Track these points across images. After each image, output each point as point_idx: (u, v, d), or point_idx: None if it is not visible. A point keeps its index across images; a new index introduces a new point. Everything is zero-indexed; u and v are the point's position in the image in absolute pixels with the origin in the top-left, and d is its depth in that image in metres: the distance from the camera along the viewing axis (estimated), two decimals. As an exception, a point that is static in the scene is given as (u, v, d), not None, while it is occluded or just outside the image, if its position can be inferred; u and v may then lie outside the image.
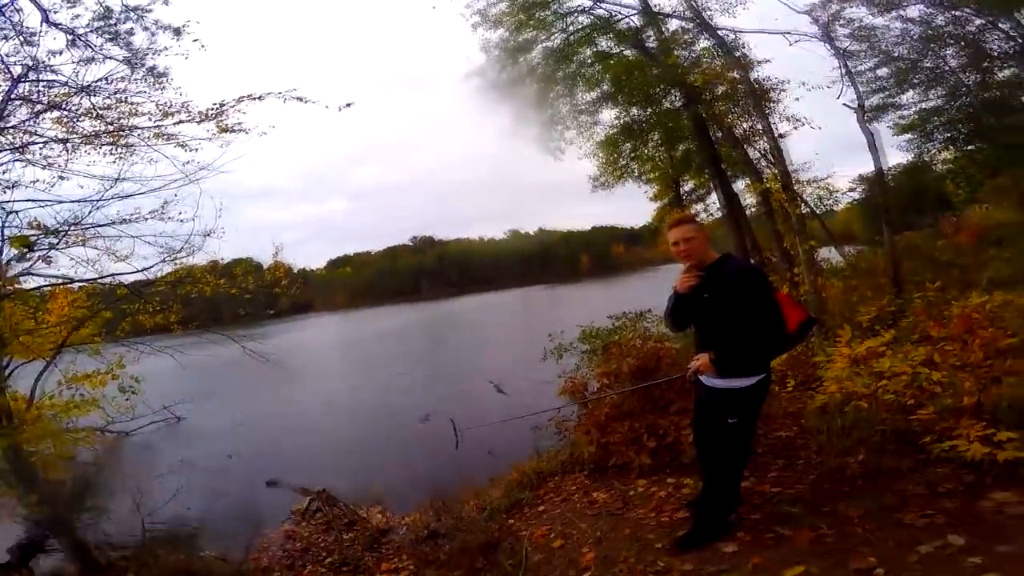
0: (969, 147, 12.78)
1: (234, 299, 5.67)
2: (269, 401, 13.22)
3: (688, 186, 11.67)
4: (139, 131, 4.87)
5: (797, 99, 8.89)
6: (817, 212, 10.37)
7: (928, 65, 11.99)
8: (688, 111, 8.74)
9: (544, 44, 9.02)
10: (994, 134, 11.11)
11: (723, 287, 2.44)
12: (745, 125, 9.29)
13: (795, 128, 9.16)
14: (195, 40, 4.97)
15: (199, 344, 6.19)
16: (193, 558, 3.96)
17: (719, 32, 7.64)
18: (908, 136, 13.23)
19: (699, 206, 11.69)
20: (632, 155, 10.56)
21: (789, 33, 6.85)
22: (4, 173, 4.65)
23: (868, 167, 7.06)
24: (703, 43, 8.58)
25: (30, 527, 5.29)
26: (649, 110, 9.36)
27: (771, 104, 8.82)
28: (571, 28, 8.89)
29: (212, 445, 9.74)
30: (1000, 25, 10.79)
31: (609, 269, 77.80)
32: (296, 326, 45.33)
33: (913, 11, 11.00)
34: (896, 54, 11.82)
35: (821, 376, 4.17)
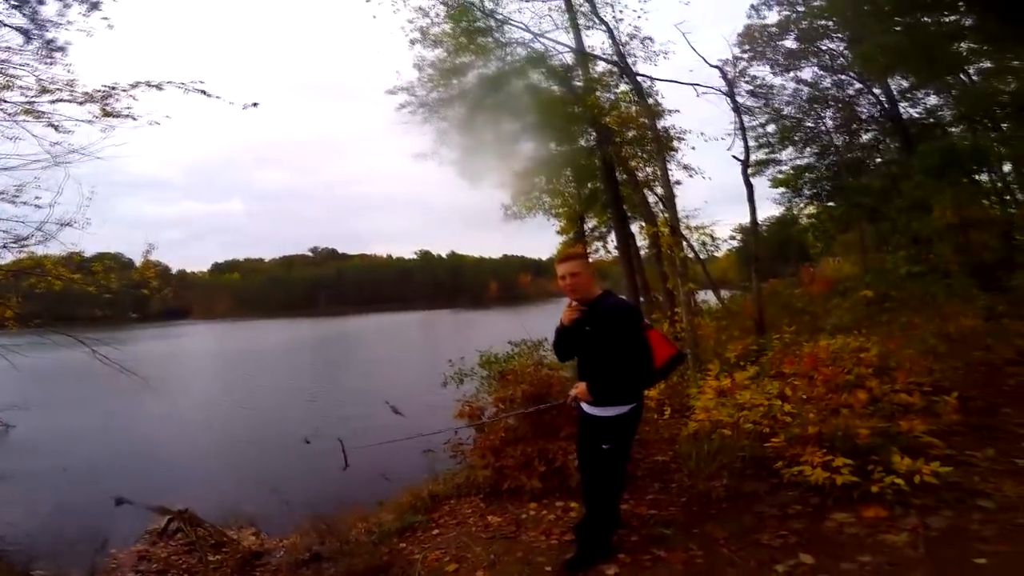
0: (829, 203, 14.94)
1: (93, 298, 5.12)
2: (126, 414, 11.66)
3: (591, 224, 12.35)
4: (5, 104, 4.24)
5: (694, 148, 9.91)
6: (700, 257, 11.48)
7: (809, 125, 14.02)
8: (600, 151, 9.27)
9: (480, 70, 9.19)
10: (849, 192, 13.11)
11: (600, 322, 2.63)
12: (648, 170, 10.11)
13: (690, 175, 10.14)
14: (104, 18, 4.46)
15: (43, 346, 5.39)
16: None
17: (638, 78, 8.28)
18: (782, 190, 15.24)
19: (599, 244, 12.38)
20: (545, 188, 10.98)
21: (698, 85, 7.63)
22: None
23: (748, 217, 7.92)
24: (623, 87, 9.23)
25: None
26: (566, 146, 9.81)
27: (672, 152, 9.70)
28: (508, 58, 9.14)
29: (49, 457, 8.47)
30: (873, 91, 12.91)
31: (516, 298, 79.32)
32: (169, 333, 40.76)
33: (807, 73, 12.88)
34: (784, 112, 13.71)
35: (693, 405, 4.56)
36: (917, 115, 13.09)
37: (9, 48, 4.23)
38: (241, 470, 7.91)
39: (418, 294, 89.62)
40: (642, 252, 10.70)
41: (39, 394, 10.34)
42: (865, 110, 13.70)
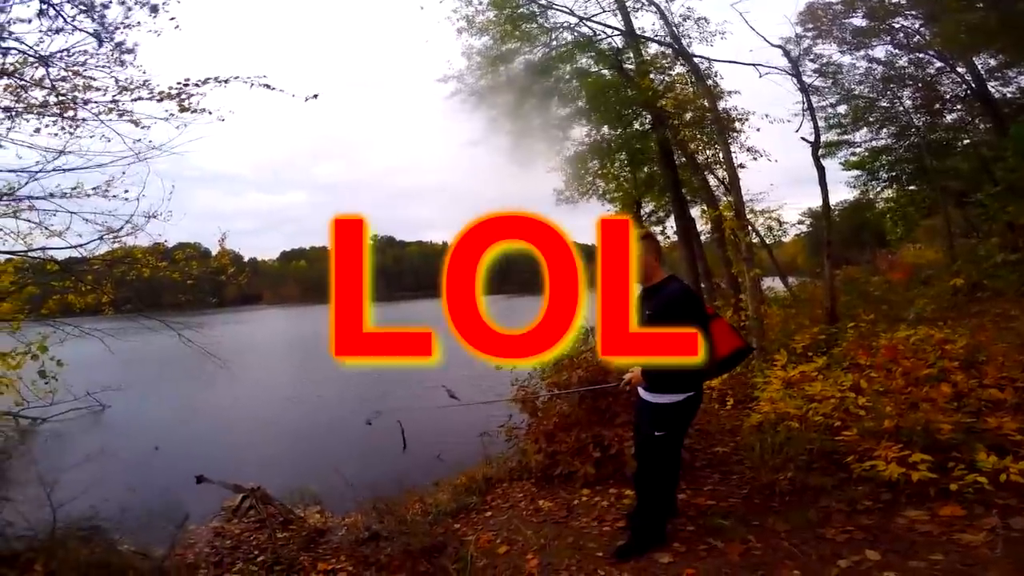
0: (910, 187, 13.77)
1: (176, 285, 5.40)
2: (206, 394, 12.53)
3: (648, 208, 12.05)
4: (92, 104, 4.61)
5: (758, 130, 9.41)
6: (767, 242, 10.93)
7: (884, 105, 12.88)
8: (656, 134, 9.01)
9: (526, 56, 9.17)
10: (933, 176, 12.04)
11: (662, 306, 2.56)
12: (708, 152, 9.72)
13: (754, 159, 9.68)
14: (172, 19, 4.75)
15: (133, 330, 5.84)
16: (110, 552, 3.69)
17: (695, 59, 7.95)
18: (856, 172, 14.17)
19: (657, 228, 12.07)
20: (598, 173, 10.81)
21: (760, 65, 7.20)
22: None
23: (818, 201, 7.44)
24: (679, 69, 8.91)
25: None
26: (619, 130, 9.61)
27: (734, 134, 9.27)
28: (554, 43, 9.06)
29: (139, 437, 9.09)
30: (957, 69, 11.74)
31: (568, 283, 78.67)
32: (242, 317, 43.55)
33: (880, 51, 11.85)
34: (857, 92, 12.66)
35: (757, 396, 4.37)
36: (1010, 94, 11.72)
37: (85, 52, 4.56)
38: (308, 450, 8.27)
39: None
40: (703, 237, 10.33)
41: (131, 376, 11.28)
42: (948, 89, 12.38)
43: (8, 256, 4.80)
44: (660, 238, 11.33)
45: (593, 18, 8.72)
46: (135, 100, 4.70)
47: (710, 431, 4.54)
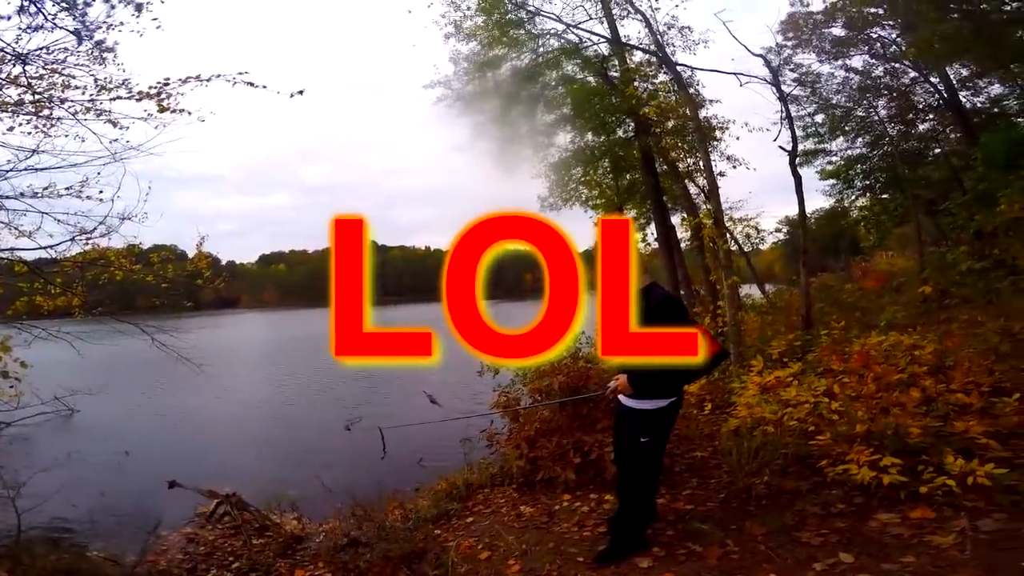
0: (883, 195, 14.11)
1: (150, 288, 5.35)
2: (179, 399, 12.26)
3: (629, 214, 12.13)
4: (69, 103, 4.51)
5: (738, 138, 9.58)
6: (745, 250, 11.13)
7: (860, 114, 13.20)
8: (639, 142, 9.12)
9: (513, 62, 9.22)
10: (906, 184, 12.38)
11: (645, 313, 2.57)
12: (689, 160, 9.88)
13: (734, 167, 9.86)
14: (154, 19, 4.67)
15: (104, 333, 5.71)
16: (79, 558, 3.59)
17: (678, 67, 8.08)
18: (832, 181, 14.50)
19: (638, 235, 12.17)
20: (582, 179, 10.89)
21: (741, 74, 7.35)
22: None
23: (795, 209, 7.61)
24: (662, 77, 9.05)
25: None
26: (603, 137, 9.70)
27: (714, 142, 9.44)
28: (541, 50, 9.12)
29: (109, 442, 8.87)
30: (931, 79, 12.11)
31: (551, 289, 78.83)
32: (218, 322, 42.70)
33: (857, 61, 12.17)
34: (834, 101, 12.97)
35: (734, 401, 4.44)
36: (980, 104, 12.15)
37: (66, 49, 4.46)
38: (285, 455, 8.16)
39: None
40: (683, 244, 10.47)
41: (102, 380, 10.94)
42: (921, 99, 12.80)
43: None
44: (641, 245, 11.47)
45: (580, 25, 8.84)
46: (113, 99, 4.63)
47: (689, 436, 4.60)
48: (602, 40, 8.91)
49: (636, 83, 8.71)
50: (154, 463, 7.57)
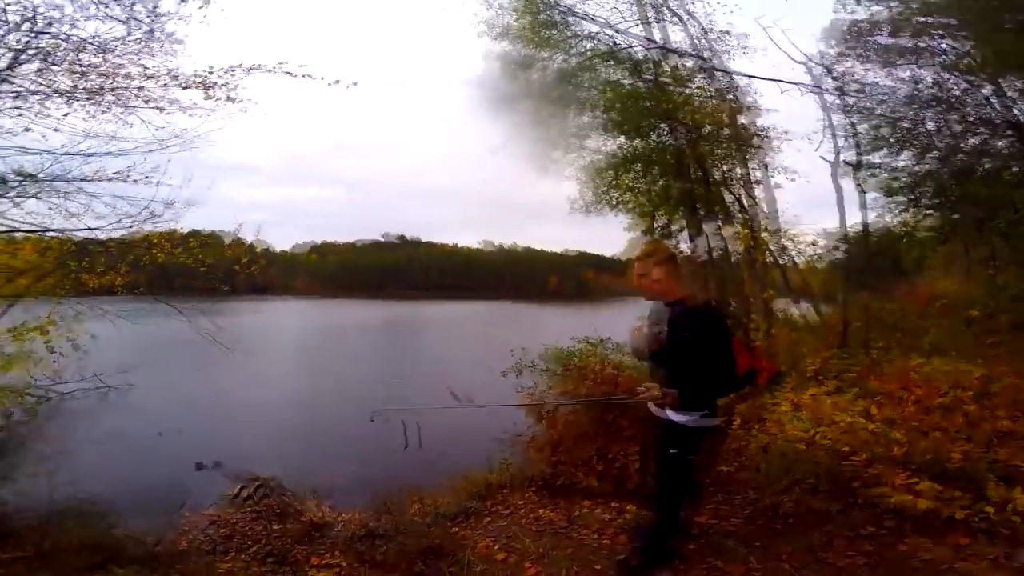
0: (929, 211, 13.51)
1: (188, 271, 5.49)
2: (211, 381, 12.61)
3: (662, 221, 11.95)
4: (119, 91, 4.69)
5: (780, 148, 9.30)
6: (780, 263, 10.80)
7: (906, 126, 12.68)
8: (674, 147, 8.98)
9: (547, 63, 9.15)
10: (953, 201, 11.81)
11: (696, 329, 2.52)
12: (725, 168, 9.65)
13: (772, 176, 9.57)
14: (201, 7, 4.85)
15: (144, 313, 5.91)
16: (104, 534, 3.72)
17: (717, 73, 7.91)
18: (874, 195, 13.95)
19: (670, 242, 11.98)
20: (614, 183, 10.77)
21: (782, 81, 7.14)
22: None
23: (835, 223, 7.39)
24: (699, 81, 8.88)
25: None
26: (637, 141, 9.57)
27: (753, 150, 9.20)
28: (576, 51, 9.05)
29: (143, 420, 9.15)
30: (982, 90, 11.55)
31: (578, 294, 78.29)
32: (252, 307, 43.79)
33: (905, 71, 11.70)
34: (880, 112, 12.48)
35: (765, 417, 4.32)
36: None
37: (119, 39, 4.64)
38: (310, 442, 8.30)
39: (480, 284, 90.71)
40: (716, 254, 10.23)
41: (140, 359, 11.35)
42: (973, 111, 12.20)
43: (26, 234, 4.89)
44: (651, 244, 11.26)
45: (616, 27, 8.73)
46: (163, 87, 4.79)
47: (716, 450, 4.49)
48: (638, 43, 8.80)
49: (674, 88, 8.56)
50: (185, 443, 7.81)
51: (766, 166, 9.43)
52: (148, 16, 4.69)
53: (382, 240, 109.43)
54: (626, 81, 9.18)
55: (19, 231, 4.80)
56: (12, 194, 4.52)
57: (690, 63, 8.65)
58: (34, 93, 4.50)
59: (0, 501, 4.40)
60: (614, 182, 10.82)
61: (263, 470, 5.76)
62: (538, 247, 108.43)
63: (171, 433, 8.36)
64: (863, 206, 6.99)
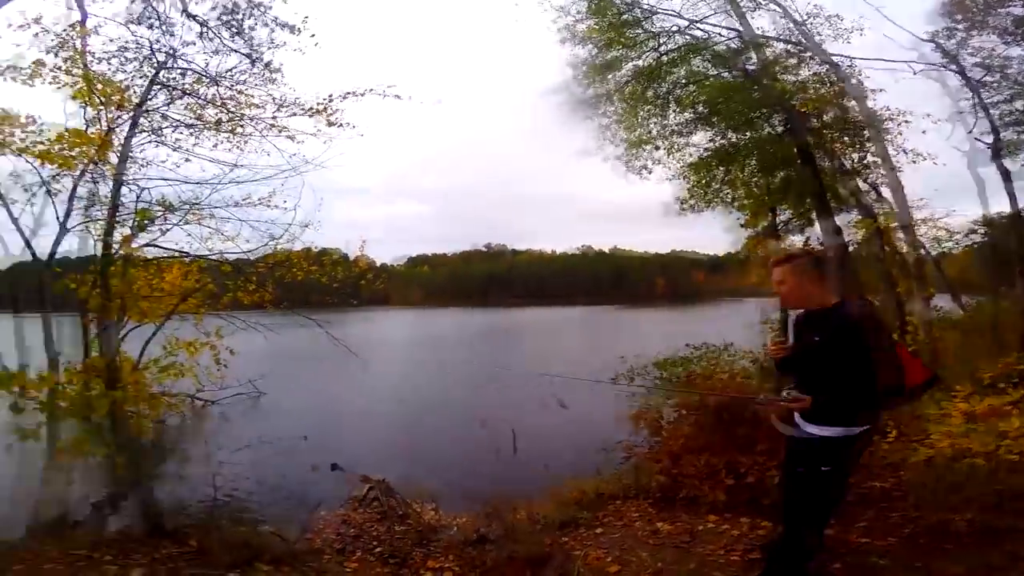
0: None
1: (322, 286, 5.95)
2: (341, 386, 13.73)
3: (784, 216, 11.04)
4: (256, 121, 5.36)
5: (900, 133, 8.24)
6: (929, 254, 9.37)
7: None
8: (793, 137, 8.29)
9: (634, 63, 8.92)
10: None
11: (835, 333, 2.25)
12: (855, 156, 8.70)
13: (913, 162, 8.42)
14: (312, 36, 5.40)
15: (285, 325, 6.60)
16: (252, 533, 4.07)
17: (830, 57, 7.22)
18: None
19: (796, 238, 11.02)
20: (725, 180, 10.14)
21: (912, 62, 6.24)
22: (141, 152, 5.31)
23: (977, 211, 6.31)
24: (813, 68, 8.18)
25: (111, 487, 5.71)
26: (748, 134, 8.96)
27: (877, 135, 8.21)
28: (663, 48, 8.74)
29: (287, 423, 10.04)
30: None
31: (686, 297, 74.40)
32: (372, 317, 47.42)
33: None
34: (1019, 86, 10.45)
35: (928, 429, 3.77)
36: None
37: (243, 71, 5.31)
38: (418, 447, 8.68)
39: (580, 290, 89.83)
40: (852, 249, 9.16)
41: (282, 368, 12.68)
42: None
43: (194, 258, 5.70)
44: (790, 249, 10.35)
45: (705, 20, 8.28)
46: (289, 116, 5.40)
47: (866, 464, 3.98)
48: (732, 34, 8.24)
49: (781, 76, 7.92)
50: (322, 445, 8.52)
51: (905, 152, 8.34)
52: (267, 47, 5.31)
53: (483, 250, 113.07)
54: (725, 73, 8.67)
55: (189, 255, 5.60)
56: (178, 220, 5.30)
57: (791, 49, 7.96)
58: (188, 126, 5.28)
59: (168, 500, 5.04)
60: (727, 178, 10.21)
61: (385, 471, 6.12)
62: (640, 250, 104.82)
63: (299, 438, 8.97)
64: (1010, 191, 5.84)
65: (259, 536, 3.99)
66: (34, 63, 5.20)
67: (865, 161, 8.66)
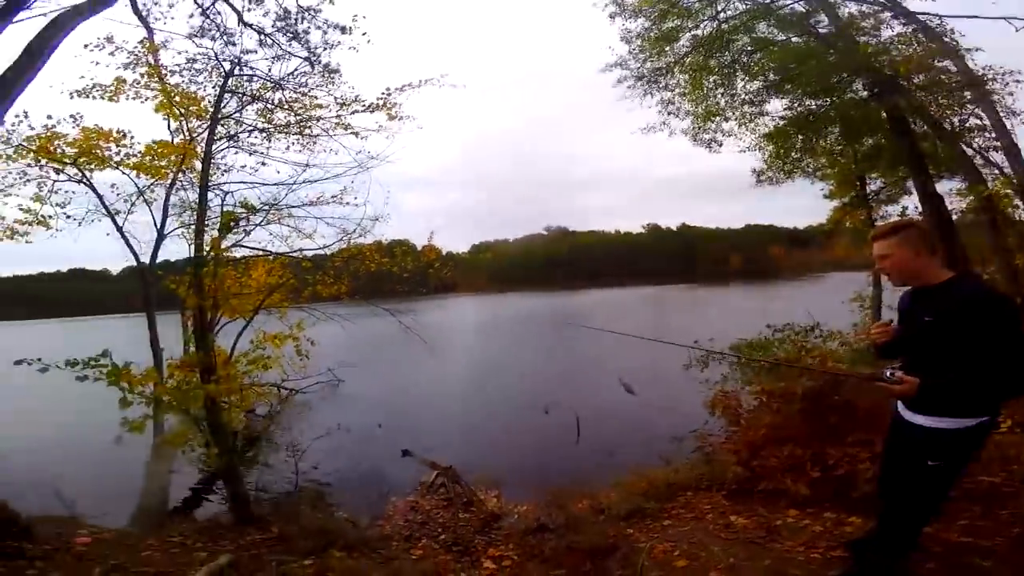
0: None
1: (393, 276, 6.20)
2: (412, 373, 14.14)
3: (875, 185, 10.18)
4: (321, 121, 5.63)
5: (1012, 92, 7.24)
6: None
7: None
8: (882, 101, 7.54)
9: (692, 32, 8.44)
10: None
11: (952, 312, 2.00)
12: (955, 120, 7.83)
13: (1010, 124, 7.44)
14: (363, 33, 5.57)
15: (360, 315, 6.85)
16: (328, 519, 4.29)
17: (919, 16, 6.47)
18: None
19: (889, 208, 10.25)
20: (805, 149, 9.45)
21: (1012, 18, 5.42)
22: (222, 158, 5.73)
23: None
24: (898, 28, 7.42)
25: (206, 476, 6.11)
26: (828, 100, 8.27)
27: (995, 96, 7.27)
28: (723, 15, 8.18)
29: (363, 411, 10.46)
30: None
31: (763, 273, 70.13)
32: (441, 305, 48.44)
33: None
34: None
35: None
36: None
37: (304, 73, 5.55)
38: (483, 433, 8.78)
39: (648, 269, 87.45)
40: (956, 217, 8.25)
41: (357, 358, 13.23)
42: None
43: (277, 255, 6.10)
44: (894, 220, 9.48)
45: None
46: (352, 113, 5.61)
47: (973, 456, 3.62)
48: None
49: (860, 38, 7.21)
50: (395, 432, 8.78)
51: (1016, 113, 7.36)
52: (322, 48, 5.51)
53: (545, 233, 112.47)
54: (795, 38, 8.01)
55: (272, 253, 6.00)
56: (262, 221, 5.69)
57: (867, 10, 7.21)
58: (260, 130, 5.62)
59: (255, 487, 5.37)
60: (807, 147, 9.52)
61: (452, 457, 6.28)
62: (712, 226, 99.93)
63: (374, 424, 9.39)
64: None
65: (335, 522, 4.20)
66: (115, 80, 5.77)
67: (967, 124, 7.78)
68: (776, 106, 8.94)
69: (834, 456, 3.33)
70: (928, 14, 6.86)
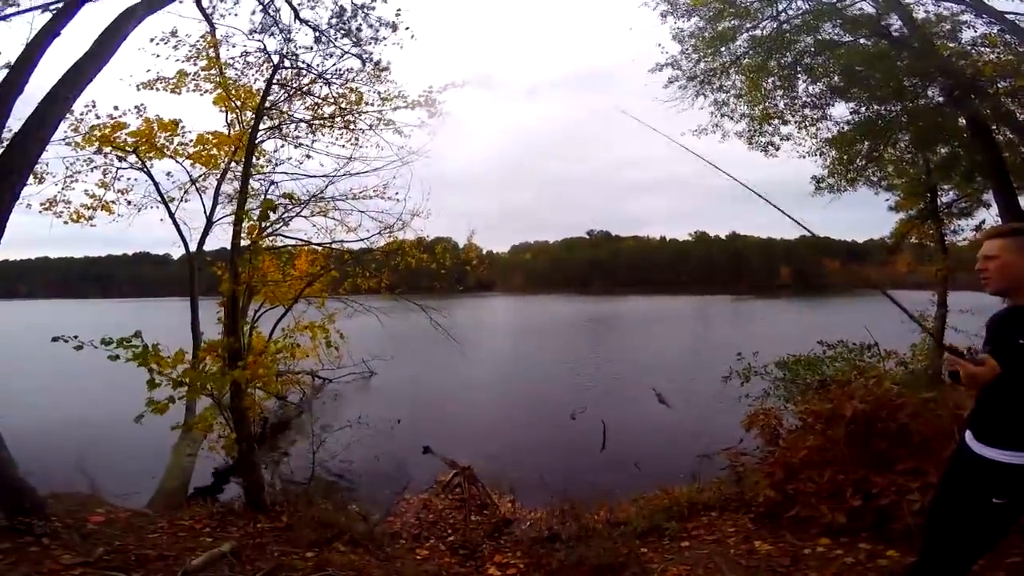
0: None
1: (431, 273, 6.22)
2: (443, 371, 14.19)
3: (948, 196, 9.51)
4: (365, 115, 5.71)
5: None
6: None
7: None
8: (961, 107, 6.99)
9: (751, 33, 8.07)
10: None
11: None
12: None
13: None
14: (407, 28, 5.59)
15: (396, 309, 6.95)
16: (339, 511, 4.25)
17: (1007, 16, 5.96)
18: None
19: (962, 222, 9.62)
20: (871, 156, 8.90)
21: None
22: (275, 151, 5.88)
23: None
24: (981, 28, 6.87)
25: (226, 461, 6.15)
26: (899, 105, 7.73)
27: None
28: (784, 15, 7.78)
29: (388, 404, 10.48)
30: None
31: (817, 287, 66.85)
32: (477, 303, 48.70)
33: None
34: None
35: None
36: None
37: (351, 69, 5.63)
38: (507, 437, 8.64)
39: (693, 277, 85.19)
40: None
41: (392, 350, 13.34)
42: None
43: (318, 246, 6.21)
44: (968, 233, 8.88)
45: None
46: (395, 109, 5.66)
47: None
48: None
49: (939, 41, 6.72)
50: (417, 427, 8.81)
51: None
52: (370, 44, 5.59)
53: (587, 236, 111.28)
54: (864, 40, 7.52)
55: (313, 244, 6.12)
56: (306, 212, 5.80)
57: (944, 12, 6.69)
58: (306, 122, 5.73)
59: (272, 475, 5.36)
60: (873, 154, 8.96)
61: (471, 458, 6.21)
62: (763, 235, 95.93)
63: (394, 420, 9.25)
64: None
65: (346, 515, 4.18)
66: (178, 73, 6.02)
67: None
68: (840, 110, 8.46)
69: (879, 484, 3.05)
70: (1018, 14, 6.31)
